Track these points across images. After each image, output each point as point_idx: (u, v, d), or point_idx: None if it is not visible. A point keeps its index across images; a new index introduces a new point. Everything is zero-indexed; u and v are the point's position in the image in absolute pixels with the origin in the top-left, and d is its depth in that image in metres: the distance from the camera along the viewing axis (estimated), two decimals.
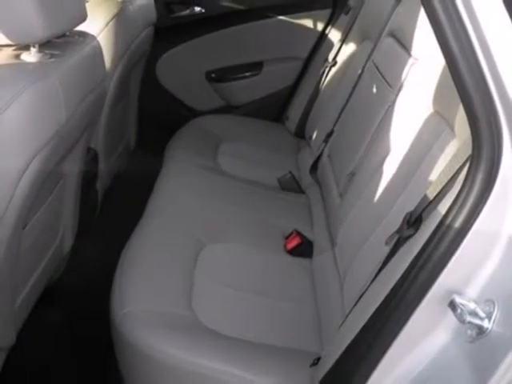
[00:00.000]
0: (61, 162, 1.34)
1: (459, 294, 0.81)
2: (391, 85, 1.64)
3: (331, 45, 2.56)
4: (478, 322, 0.77)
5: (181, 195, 1.87)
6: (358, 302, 1.12)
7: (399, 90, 1.58)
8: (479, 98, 0.77)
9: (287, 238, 1.73)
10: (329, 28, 2.70)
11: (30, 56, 1.16)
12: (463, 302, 0.80)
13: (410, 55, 1.59)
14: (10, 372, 1.36)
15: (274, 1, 2.75)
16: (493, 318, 0.76)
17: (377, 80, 1.77)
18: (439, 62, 1.29)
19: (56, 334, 1.66)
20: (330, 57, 2.44)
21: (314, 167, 2.12)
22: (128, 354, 1.30)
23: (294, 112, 2.68)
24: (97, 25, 1.78)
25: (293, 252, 1.70)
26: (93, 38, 1.46)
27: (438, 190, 0.96)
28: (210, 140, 2.37)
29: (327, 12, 2.71)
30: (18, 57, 1.17)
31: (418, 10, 1.56)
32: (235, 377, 1.20)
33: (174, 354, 1.22)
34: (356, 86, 1.98)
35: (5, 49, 1.20)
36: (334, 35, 2.62)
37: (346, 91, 2.04)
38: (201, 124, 2.53)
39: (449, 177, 0.95)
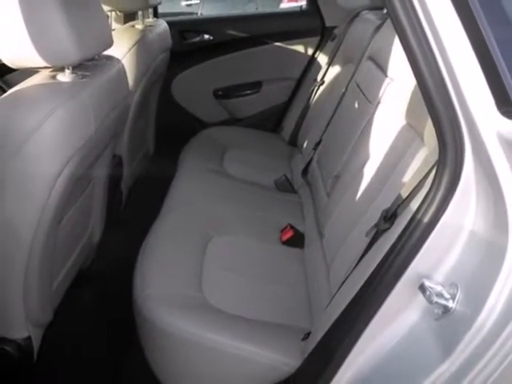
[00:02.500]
0: (90, 167, 1.34)
1: (428, 278, 0.81)
2: (370, 101, 1.64)
3: (319, 67, 2.56)
4: (443, 302, 0.77)
5: (192, 195, 1.87)
6: (342, 285, 1.12)
7: (377, 106, 1.58)
8: (444, 113, 0.77)
9: (282, 231, 1.73)
10: (317, 53, 2.71)
11: (65, 76, 1.16)
12: (431, 285, 0.80)
13: (386, 76, 1.59)
14: (48, 344, 1.36)
15: (272, 30, 2.76)
16: (456, 298, 0.76)
17: (358, 97, 1.77)
18: (411, 81, 1.29)
19: (86, 312, 1.66)
20: (319, 77, 2.44)
21: (305, 171, 2.12)
22: (147, 329, 1.30)
23: (288, 124, 2.67)
24: (121, 50, 1.78)
25: (287, 243, 1.69)
26: (118, 61, 1.46)
27: (410, 190, 0.96)
28: (216, 148, 2.37)
29: (316, 39, 2.72)
30: (54, 77, 1.16)
31: (393, 38, 1.55)
32: (237, 348, 1.19)
33: (186, 329, 1.22)
34: (340, 102, 1.98)
35: (43, 70, 1.20)
36: (322, 59, 2.62)
37: (332, 106, 2.04)
38: (209, 134, 2.53)
39: (419, 179, 0.95)
